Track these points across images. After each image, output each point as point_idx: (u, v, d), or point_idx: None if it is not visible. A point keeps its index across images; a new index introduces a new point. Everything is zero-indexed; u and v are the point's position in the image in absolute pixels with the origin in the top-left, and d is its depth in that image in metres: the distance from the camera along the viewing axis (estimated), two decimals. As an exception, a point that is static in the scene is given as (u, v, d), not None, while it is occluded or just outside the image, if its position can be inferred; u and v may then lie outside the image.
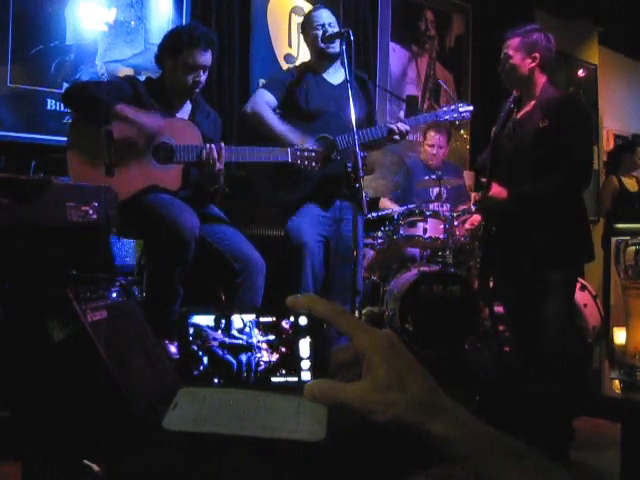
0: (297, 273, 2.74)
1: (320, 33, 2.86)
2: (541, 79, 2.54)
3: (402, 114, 2.92)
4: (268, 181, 2.86)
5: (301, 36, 4.46)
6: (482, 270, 2.85)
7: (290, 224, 2.84)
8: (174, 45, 2.60)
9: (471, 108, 2.99)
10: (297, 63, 4.24)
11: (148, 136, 2.48)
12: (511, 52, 2.52)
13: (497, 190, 2.46)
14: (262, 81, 4.11)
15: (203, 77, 2.64)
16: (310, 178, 2.79)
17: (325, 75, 2.94)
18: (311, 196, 2.86)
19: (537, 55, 2.50)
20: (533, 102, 2.51)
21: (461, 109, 2.95)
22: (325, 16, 2.91)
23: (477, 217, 2.81)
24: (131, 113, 2.45)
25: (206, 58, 2.61)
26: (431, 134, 4.31)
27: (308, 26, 2.94)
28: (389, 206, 4.13)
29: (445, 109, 2.96)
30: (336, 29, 2.87)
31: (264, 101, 2.81)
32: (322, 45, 2.86)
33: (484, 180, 2.52)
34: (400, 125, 2.80)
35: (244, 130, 2.98)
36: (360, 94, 2.92)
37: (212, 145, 2.51)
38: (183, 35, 2.58)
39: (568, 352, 2.49)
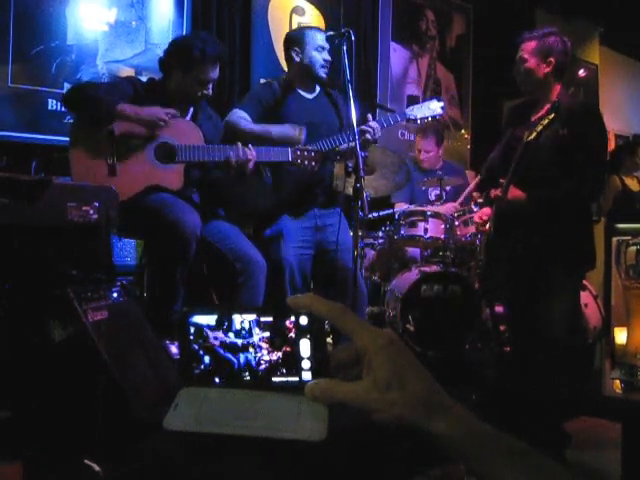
0: (277, 285, 2.75)
1: (320, 57, 2.85)
2: (556, 85, 2.54)
3: (370, 116, 2.89)
4: (242, 186, 2.86)
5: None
6: (485, 270, 2.84)
7: (268, 239, 2.85)
8: (185, 60, 2.57)
9: (442, 104, 2.94)
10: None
11: (151, 128, 2.47)
12: (526, 56, 2.51)
13: (516, 193, 2.45)
14: (262, 81, 4.11)
15: (210, 89, 2.66)
16: (285, 185, 2.80)
17: (300, 90, 2.93)
18: (286, 205, 2.85)
19: (552, 60, 2.50)
20: (547, 106, 2.50)
21: (431, 106, 2.91)
22: (320, 38, 2.88)
23: (486, 210, 2.79)
24: (132, 111, 2.46)
25: (215, 72, 2.63)
26: (418, 140, 4.33)
27: (305, 43, 2.88)
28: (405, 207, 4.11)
29: (414, 107, 2.92)
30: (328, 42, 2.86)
31: (239, 116, 2.80)
32: (321, 73, 2.85)
33: (501, 180, 2.50)
34: (370, 124, 2.79)
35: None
36: (331, 108, 2.93)
37: (241, 147, 2.52)
38: (195, 51, 2.54)
39: (572, 352, 2.49)
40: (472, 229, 3.63)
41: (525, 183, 2.45)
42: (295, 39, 2.95)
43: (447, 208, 3.88)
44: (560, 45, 2.52)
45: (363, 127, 2.76)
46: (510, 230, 2.55)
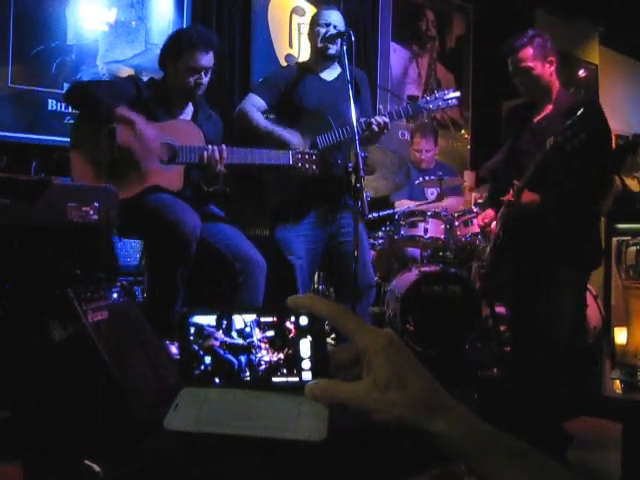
0: (288, 283, 2.75)
1: (323, 31, 2.84)
2: (557, 82, 2.54)
3: (381, 107, 2.88)
4: (253, 181, 2.86)
5: (302, 36, 4.49)
6: (488, 270, 2.84)
7: (278, 234, 2.84)
8: (174, 48, 2.60)
9: (458, 94, 2.91)
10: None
11: (145, 144, 2.46)
12: (531, 64, 2.49)
13: (530, 197, 2.43)
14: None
15: (205, 79, 2.64)
16: (294, 181, 2.77)
17: (321, 74, 2.92)
18: (296, 200, 2.84)
19: (552, 58, 2.50)
20: (551, 106, 2.49)
21: (447, 96, 2.88)
22: (334, 17, 2.87)
23: (488, 213, 2.78)
24: (132, 117, 2.45)
25: (207, 59, 2.61)
26: (417, 140, 4.32)
27: (314, 22, 2.92)
28: (407, 204, 4.11)
29: (428, 98, 2.90)
30: (338, 31, 2.85)
31: (252, 104, 2.81)
32: (321, 45, 2.85)
33: (516, 182, 2.49)
34: (378, 118, 2.76)
35: (233, 132, 2.97)
36: (348, 92, 2.90)
37: (214, 146, 2.51)
38: (183, 38, 2.58)
39: (573, 352, 2.49)
40: (472, 229, 3.64)
41: (535, 186, 2.44)
42: (310, 19, 3.01)
43: (450, 204, 3.89)
44: (548, 42, 2.53)
45: (368, 120, 2.75)
46: (520, 232, 2.54)
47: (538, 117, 2.54)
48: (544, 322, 2.44)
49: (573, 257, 2.44)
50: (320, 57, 2.91)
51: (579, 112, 2.29)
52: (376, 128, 2.74)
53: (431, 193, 4.19)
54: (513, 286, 2.65)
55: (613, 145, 6.46)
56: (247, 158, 2.58)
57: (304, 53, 4.41)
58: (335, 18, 2.87)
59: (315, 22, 2.90)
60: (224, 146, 2.53)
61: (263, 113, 2.83)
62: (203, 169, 2.53)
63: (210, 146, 2.51)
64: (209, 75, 2.67)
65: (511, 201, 2.48)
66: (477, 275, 3.73)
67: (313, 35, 2.91)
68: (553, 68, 2.51)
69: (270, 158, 2.59)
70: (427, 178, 4.01)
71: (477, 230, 3.51)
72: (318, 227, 2.86)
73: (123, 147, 2.43)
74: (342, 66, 2.86)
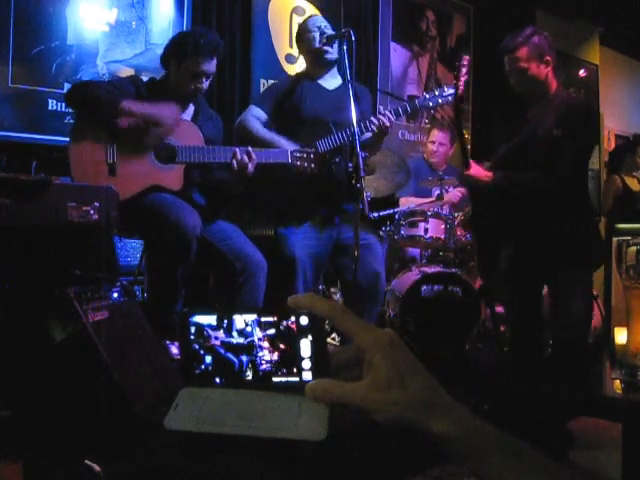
0: (289, 282, 2.74)
1: (317, 35, 2.82)
2: (554, 82, 2.54)
3: (381, 107, 2.87)
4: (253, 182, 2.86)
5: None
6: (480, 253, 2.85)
7: (281, 233, 2.83)
8: (179, 51, 2.59)
9: (452, 91, 2.89)
10: (297, 65, 4.24)
11: (162, 127, 2.46)
12: (524, 65, 2.48)
13: (476, 171, 2.52)
14: (263, 81, 4.12)
15: (205, 84, 2.65)
16: (296, 182, 2.77)
17: (320, 81, 2.91)
18: (298, 202, 2.84)
19: (549, 58, 2.49)
20: (545, 103, 2.49)
21: (445, 93, 2.87)
22: (320, 19, 2.90)
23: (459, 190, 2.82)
24: (139, 107, 2.45)
25: (210, 66, 2.61)
26: (434, 132, 4.32)
27: (303, 32, 2.90)
28: (412, 202, 4.09)
29: (427, 96, 2.89)
30: (331, 32, 2.85)
31: (252, 115, 2.81)
32: (318, 47, 2.82)
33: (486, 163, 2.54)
34: (379, 117, 2.76)
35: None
36: (349, 101, 2.91)
37: (242, 149, 2.51)
38: (189, 42, 2.57)
39: (580, 352, 2.49)
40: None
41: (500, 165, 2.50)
42: (297, 34, 2.99)
43: (453, 195, 3.89)
44: (546, 40, 2.52)
45: (372, 118, 2.74)
46: (517, 227, 2.55)
47: (532, 113, 2.54)
48: (559, 323, 2.44)
49: (581, 257, 2.43)
50: (317, 63, 2.88)
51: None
52: (375, 128, 2.74)
53: (437, 194, 4.18)
54: (510, 284, 2.65)
55: (609, 147, 6.49)
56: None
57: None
58: (321, 21, 2.89)
59: (304, 31, 2.89)
60: (250, 148, 2.53)
61: (264, 124, 2.82)
62: (235, 173, 2.52)
63: (237, 149, 2.51)
64: (209, 80, 2.67)
65: (465, 174, 2.54)
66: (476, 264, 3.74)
67: (305, 44, 2.89)
68: (549, 68, 2.49)
69: (269, 157, 2.60)
70: (430, 178, 4.00)
71: None
72: (319, 230, 2.85)
73: (125, 143, 2.43)
74: (343, 76, 2.85)
